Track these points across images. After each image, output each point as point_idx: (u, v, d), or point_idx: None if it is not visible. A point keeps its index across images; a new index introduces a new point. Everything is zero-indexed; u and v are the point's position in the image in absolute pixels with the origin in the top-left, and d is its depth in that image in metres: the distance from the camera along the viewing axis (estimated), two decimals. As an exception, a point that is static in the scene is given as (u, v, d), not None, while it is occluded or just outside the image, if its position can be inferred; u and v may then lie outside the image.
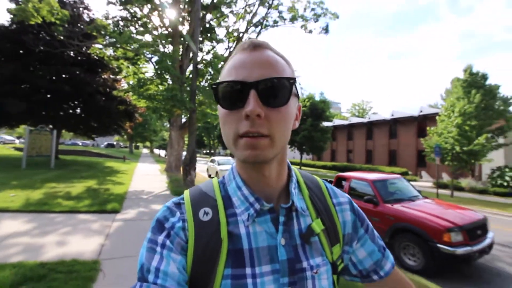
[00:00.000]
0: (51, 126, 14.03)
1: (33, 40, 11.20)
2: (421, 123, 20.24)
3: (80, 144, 45.80)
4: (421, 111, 20.87)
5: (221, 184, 0.53)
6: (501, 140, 13.14)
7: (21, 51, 12.41)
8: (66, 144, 37.76)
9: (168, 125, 13.11)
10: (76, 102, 14.36)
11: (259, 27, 11.25)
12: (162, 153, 38.91)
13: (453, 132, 11.22)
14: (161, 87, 9.61)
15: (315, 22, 10.74)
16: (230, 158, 15.48)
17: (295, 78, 0.44)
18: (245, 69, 0.43)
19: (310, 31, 11.13)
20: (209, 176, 14.14)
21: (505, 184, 12.33)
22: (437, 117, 12.99)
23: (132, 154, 32.36)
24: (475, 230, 3.72)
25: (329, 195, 0.56)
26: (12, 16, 11.67)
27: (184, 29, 11.55)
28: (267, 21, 11.25)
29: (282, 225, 0.46)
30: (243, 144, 0.42)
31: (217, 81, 0.45)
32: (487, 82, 12.21)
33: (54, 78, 12.82)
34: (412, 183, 15.92)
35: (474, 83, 12.09)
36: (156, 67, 9.09)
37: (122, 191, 6.95)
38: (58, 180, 7.84)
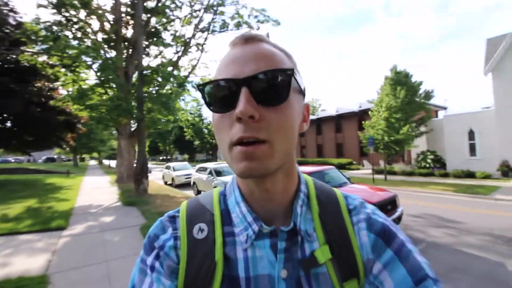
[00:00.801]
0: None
1: None
2: (361, 117, 22.60)
3: (13, 161, 40.34)
4: (360, 106, 23.24)
5: (221, 196, 0.47)
6: (422, 128, 15.44)
7: None
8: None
9: (117, 134, 12.56)
10: (4, 115, 12.86)
11: (206, 32, 11.50)
12: (112, 163, 36.43)
13: (382, 125, 12.95)
14: (104, 96, 9.26)
15: (257, 29, 11.37)
16: (186, 163, 15.37)
17: (293, 69, 0.36)
18: (236, 65, 0.36)
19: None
20: (165, 183, 13.91)
21: (427, 166, 14.60)
22: (369, 112, 14.77)
23: (78, 167, 29.71)
24: (386, 206, 4.62)
25: (349, 212, 0.45)
26: None
27: (127, 33, 11.23)
28: (214, 26, 11.56)
29: (283, 253, 0.39)
30: (237, 153, 0.35)
31: (206, 81, 0.37)
32: (413, 79, 14.21)
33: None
34: (356, 171, 17.76)
35: (399, 80, 14.03)
36: (98, 74, 8.76)
37: (68, 207, 6.64)
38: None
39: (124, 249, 3.79)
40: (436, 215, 5.95)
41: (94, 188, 10.83)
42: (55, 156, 46.36)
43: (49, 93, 13.74)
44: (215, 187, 8.52)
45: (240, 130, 0.34)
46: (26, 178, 15.54)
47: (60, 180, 14.10)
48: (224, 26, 11.71)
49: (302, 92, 0.42)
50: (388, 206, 4.67)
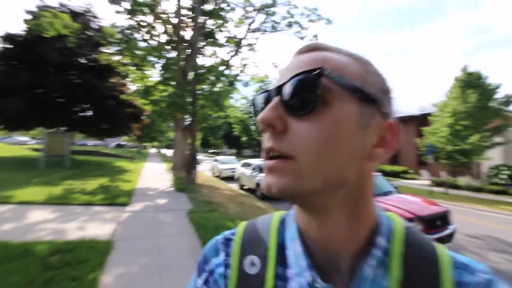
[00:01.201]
0: (65, 128, 14.98)
1: (47, 50, 12.12)
2: (422, 122, 20.49)
3: (90, 144, 47.23)
4: (422, 110, 21.07)
5: (281, 225, 0.39)
6: (498, 139, 13.38)
7: (37, 59, 13.34)
8: (77, 145, 39.17)
9: (173, 127, 13.86)
10: (87, 105, 15.26)
11: (257, 33, 11.85)
12: (168, 152, 40.00)
13: (445, 132, 11.59)
14: (165, 93, 10.34)
15: (306, 29, 11.31)
16: (233, 157, 16.09)
17: (321, 69, 0.28)
18: (282, 75, 0.32)
19: (302, 38, 11.71)
20: (213, 175, 14.83)
21: (501, 182, 12.61)
22: (431, 117, 13.33)
23: (140, 154, 33.36)
24: (435, 221, 4.25)
25: (455, 283, 0.30)
26: (28, 27, 12.64)
27: (186, 35, 12.26)
28: (265, 27, 11.84)
29: None
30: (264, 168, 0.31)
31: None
32: (488, 81, 12.38)
33: (67, 83, 13.74)
34: (411, 181, 16.22)
35: (470, 82, 12.38)
36: (161, 73, 9.82)
37: (130, 188, 7.67)
38: (74, 178, 8.63)
39: (172, 229, 4.30)
40: (497, 237, 5.23)
41: (153, 174, 12.17)
42: (123, 143, 52.85)
43: (120, 88, 15.83)
44: (257, 184, 8.60)
45: (265, 141, 0.31)
46: (99, 159, 18.20)
47: (125, 164, 16.17)
48: (275, 27, 11.90)
49: (370, 102, 0.30)
50: (438, 221, 4.30)
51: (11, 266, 2.68)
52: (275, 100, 0.30)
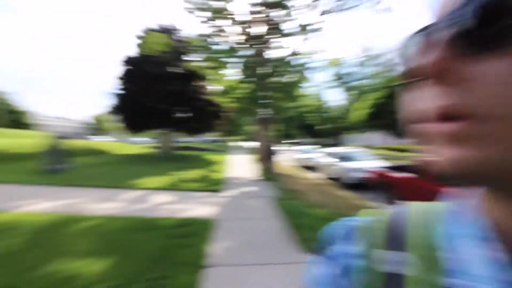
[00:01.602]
0: (167, 128, 18.01)
1: (151, 65, 14.75)
2: None
3: (185, 141, 54.88)
4: None
5: (449, 218, 0.27)
6: None
7: (144, 74, 16.44)
8: (177, 142, 46.29)
9: (254, 120, 14.79)
10: (183, 108, 17.91)
11: (325, 15, 11.28)
12: (249, 145, 42.72)
13: None
14: (245, 90, 11.13)
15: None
16: (312, 146, 15.96)
17: None
18: (444, 4, 0.20)
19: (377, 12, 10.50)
20: (295, 164, 15.15)
21: None
22: None
23: (226, 147, 36.75)
24: None
25: None
26: (139, 49, 15.74)
27: (258, 31, 12.72)
28: (332, 8, 11.15)
29: None
30: (428, 136, 0.21)
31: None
32: None
33: (164, 91, 16.44)
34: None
35: None
36: (241, 71, 10.63)
37: (220, 177, 8.73)
38: (177, 170, 10.39)
39: (260, 213, 4.77)
40: None
41: (237, 165, 13.38)
42: (210, 138, 59.29)
43: (203, 90, 17.87)
44: (338, 172, 8.37)
45: (425, 97, 0.20)
46: (192, 153, 21.08)
47: (213, 157, 18.25)
48: (342, 7, 11.04)
49: None
50: None
51: (145, 235, 3.59)
52: (444, 35, 0.19)
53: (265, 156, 9.35)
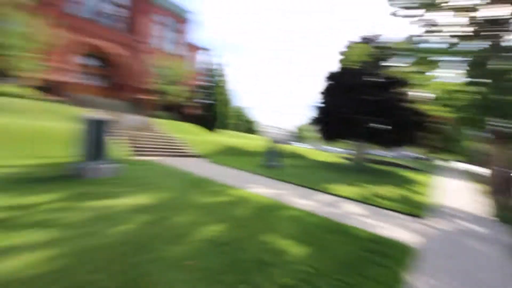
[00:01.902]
0: (363, 140, 17.70)
1: (349, 76, 15.16)
2: None
3: (380, 154, 51.05)
4: None
5: None
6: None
7: (343, 85, 17.19)
8: (369, 154, 44.23)
9: (482, 135, 10.95)
10: (380, 119, 16.85)
11: None
12: (474, 168, 32.03)
13: None
14: (467, 95, 8.55)
15: None
16: None
17: None
18: None
19: None
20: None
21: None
22: None
23: (431, 167, 30.14)
24: None
25: None
26: (340, 63, 16.78)
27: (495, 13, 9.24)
28: None
29: None
30: None
31: None
32: None
33: (365, 101, 16.19)
34: None
35: None
36: (467, 70, 8.28)
37: (423, 201, 7.22)
38: (369, 182, 9.88)
39: (487, 262, 3.42)
40: None
41: (450, 191, 10.51)
42: (410, 154, 51.03)
43: (402, 97, 15.62)
44: None
45: None
46: (386, 168, 19.06)
47: (413, 176, 15.50)
48: None
49: None
50: None
51: (338, 238, 3.69)
52: None
53: (502, 187, 6.57)
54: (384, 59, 12.81)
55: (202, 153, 13.74)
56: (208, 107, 23.56)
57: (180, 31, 25.24)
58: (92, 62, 20.38)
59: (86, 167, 5.91)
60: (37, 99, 13.95)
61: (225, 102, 25.26)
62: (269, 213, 4.68)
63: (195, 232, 3.46)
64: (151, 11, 22.55)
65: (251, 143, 20.50)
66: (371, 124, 17.60)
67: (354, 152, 17.17)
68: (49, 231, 3.04)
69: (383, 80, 15.91)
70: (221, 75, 25.53)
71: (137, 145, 11.75)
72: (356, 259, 3.12)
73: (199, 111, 23.76)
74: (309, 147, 45.46)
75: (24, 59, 14.22)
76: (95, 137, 6.12)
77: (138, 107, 20.09)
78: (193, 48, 28.39)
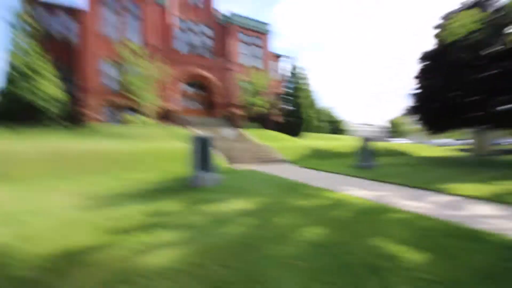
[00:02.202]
0: (485, 126, 14.23)
1: (455, 52, 12.51)
2: None
3: (505, 141, 39.58)
4: None
5: None
6: None
7: (445, 65, 14.35)
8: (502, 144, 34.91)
9: None
10: (507, 97, 13.21)
11: None
12: None
13: None
14: None
15: None
16: None
17: None
18: None
19: None
20: None
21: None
22: None
23: None
24: None
25: None
26: (437, 40, 14.15)
27: None
28: None
29: None
30: None
31: None
32: None
33: (481, 78, 13.04)
34: None
35: None
36: None
37: None
38: (501, 179, 7.81)
39: None
40: None
41: None
42: None
43: None
44: None
45: None
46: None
47: None
48: None
49: None
50: None
51: (462, 244, 3.09)
52: None
53: None
54: (505, 25, 10.08)
55: (291, 158, 14.02)
56: (293, 113, 23.96)
57: (261, 44, 27.04)
58: (191, 88, 24.23)
59: (197, 177, 7.01)
60: (155, 125, 17.51)
61: (309, 105, 25.11)
62: (373, 216, 4.35)
63: (297, 233, 3.58)
64: (235, 33, 25.17)
65: (340, 144, 19.54)
66: (496, 106, 13.91)
67: (472, 142, 13.88)
68: (179, 231, 3.76)
69: (507, 49, 12.42)
70: (303, 78, 25.67)
71: (232, 155, 13.06)
72: (496, 271, 2.55)
73: (284, 118, 24.44)
74: (410, 142, 39.53)
75: (145, 94, 18.19)
76: (202, 151, 7.21)
77: (231, 121, 22.35)
78: (274, 57, 29.78)
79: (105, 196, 5.96)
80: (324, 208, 4.81)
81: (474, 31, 10.14)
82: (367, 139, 11.06)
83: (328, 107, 38.08)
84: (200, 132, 10.08)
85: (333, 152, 17.01)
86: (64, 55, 19.77)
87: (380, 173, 9.31)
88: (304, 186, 7.08)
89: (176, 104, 21.76)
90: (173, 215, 4.49)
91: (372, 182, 7.80)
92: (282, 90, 26.03)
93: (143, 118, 17.64)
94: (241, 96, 23.30)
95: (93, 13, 18.81)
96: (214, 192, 6.23)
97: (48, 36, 19.05)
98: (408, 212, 4.51)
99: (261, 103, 22.91)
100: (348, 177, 8.72)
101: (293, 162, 13.52)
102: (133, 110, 19.88)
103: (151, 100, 18.49)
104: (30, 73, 15.93)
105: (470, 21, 9.36)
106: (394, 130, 61.49)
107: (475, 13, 9.43)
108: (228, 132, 15.09)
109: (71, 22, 20.44)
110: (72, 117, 18.22)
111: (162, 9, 22.09)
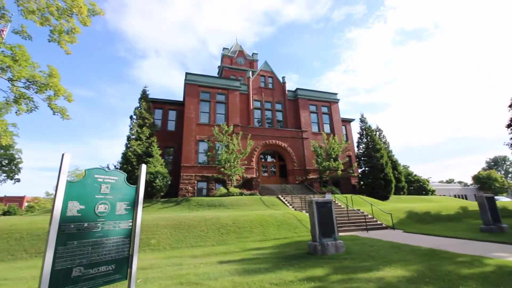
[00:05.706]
0: None
1: None
2: None
3: None
4: None
5: None
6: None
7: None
8: None
9: None
10: None
11: None
12: None
13: None
14: None
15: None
16: None
17: None
18: None
19: None
20: None
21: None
22: None
23: None
24: None
25: None
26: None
27: None
28: None
29: None
30: None
31: None
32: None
33: None
34: None
35: None
36: None
37: None
38: None
39: None
40: None
41: None
42: None
43: None
44: None
45: None
46: None
47: None
48: None
49: None
50: None
51: None
52: None
53: None
54: None
55: (391, 223, 13.04)
56: (374, 174, 23.12)
57: (330, 112, 29.15)
58: (270, 158, 26.43)
59: (322, 244, 7.10)
60: (241, 194, 18.77)
61: (390, 164, 24.09)
62: None
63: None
64: (305, 105, 28.12)
65: (435, 206, 17.48)
66: None
67: None
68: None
69: None
70: (379, 138, 25.43)
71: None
72: None
73: (365, 180, 23.67)
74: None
75: (233, 167, 20.33)
76: (324, 217, 7.52)
77: (309, 186, 22.57)
78: (346, 122, 31.18)
79: (243, 261, 6.42)
80: (503, 276, 4.40)
81: None
82: (488, 198, 9.88)
83: (406, 165, 35.35)
84: (321, 197, 10.44)
85: (433, 215, 15.17)
86: (168, 140, 24.42)
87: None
88: (444, 252, 6.53)
89: (257, 173, 23.60)
90: (335, 283, 4.59)
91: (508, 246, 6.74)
92: (358, 152, 25.96)
93: (231, 188, 19.29)
94: (316, 161, 23.98)
95: (190, 105, 23.74)
96: (348, 260, 6.16)
97: (156, 125, 24.09)
98: None
99: (336, 167, 22.95)
100: (486, 243, 7.69)
101: (396, 227, 12.49)
102: (220, 181, 22.08)
103: (237, 171, 20.48)
104: (144, 155, 19.93)
105: None
106: (489, 186, 51.76)
107: None
108: (328, 196, 15.23)
109: (174, 113, 25.93)
110: (173, 191, 21.12)
111: (243, 94, 26.78)
